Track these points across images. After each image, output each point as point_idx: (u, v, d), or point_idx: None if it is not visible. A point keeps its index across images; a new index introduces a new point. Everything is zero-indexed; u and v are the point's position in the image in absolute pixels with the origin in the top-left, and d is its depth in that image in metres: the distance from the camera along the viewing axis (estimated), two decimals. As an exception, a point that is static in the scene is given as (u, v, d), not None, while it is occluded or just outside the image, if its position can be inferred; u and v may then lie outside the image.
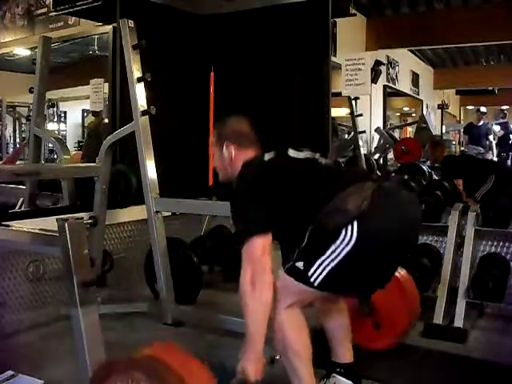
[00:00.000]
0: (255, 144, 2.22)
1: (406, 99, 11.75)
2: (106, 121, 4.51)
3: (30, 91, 4.09)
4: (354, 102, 6.39)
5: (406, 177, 4.87)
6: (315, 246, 1.85)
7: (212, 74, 4.02)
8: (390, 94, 9.23)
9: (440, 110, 10.83)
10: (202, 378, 1.61)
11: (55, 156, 6.42)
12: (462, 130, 14.09)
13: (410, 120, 12.77)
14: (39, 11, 6.06)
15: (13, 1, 6.36)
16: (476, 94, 14.25)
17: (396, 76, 9.36)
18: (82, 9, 3.71)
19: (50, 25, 5.87)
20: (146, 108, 3.22)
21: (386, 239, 1.84)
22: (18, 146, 7.78)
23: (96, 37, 4.91)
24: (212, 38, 4.24)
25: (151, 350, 1.69)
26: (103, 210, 3.41)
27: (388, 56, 8.69)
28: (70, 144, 7.79)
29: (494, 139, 9.13)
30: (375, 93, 7.54)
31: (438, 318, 3.12)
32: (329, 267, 1.82)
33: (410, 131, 10.93)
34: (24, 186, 4.22)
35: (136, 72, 3.24)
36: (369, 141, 8.10)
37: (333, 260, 1.81)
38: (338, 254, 1.80)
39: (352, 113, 6.52)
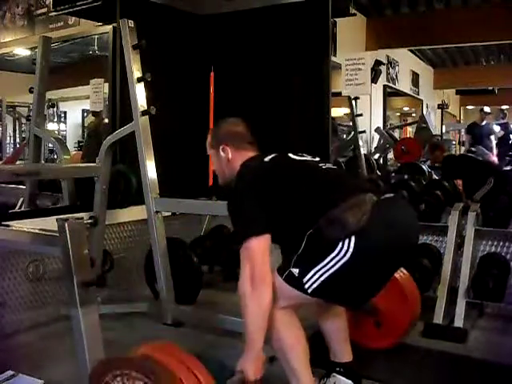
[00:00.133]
0: (253, 145, 2.21)
1: (406, 99, 11.75)
2: (106, 121, 4.51)
3: (30, 91, 4.09)
4: (353, 101, 6.39)
5: (405, 177, 4.87)
6: (312, 254, 1.85)
7: (212, 73, 4.03)
8: (389, 93, 9.23)
9: (440, 110, 10.82)
10: (200, 378, 1.61)
11: (55, 156, 6.42)
12: (462, 130, 14.12)
13: (410, 120, 12.77)
14: (39, 11, 6.06)
15: (13, 1, 6.36)
16: (476, 93, 14.25)
17: (396, 76, 9.35)
18: (82, 9, 3.71)
19: (50, 25, 5.87)
20: (145, 108, 3.22)
21: (382, 255, 1.85)
22: (17, 146, 7.77)
23: (96, 37, 4.91)
24: (212, 38, 4.24)
25: (148, 349, 1.69)
26: (103, 210, 3.41)
27: (388, 56, 8.69)
28: (70, 144, 7.79)
29: (495, 139, 9.12)
30: (375, 93, 7.53)
31: (438, 318, 3.12)
32: (323, 277, 1.82)
33: (409, 131, 10.92)
34: (24, 186, 4.22)
35: (136, 72, 3.24)
36: (369, 141, 8.10)
37: (328, 270, 1.81)
38: (334, 265, 1.80)
39: (352, 113, 6.52)
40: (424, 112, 10.99)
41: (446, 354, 2.83)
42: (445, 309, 3.15)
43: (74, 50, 5.82)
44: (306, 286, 1.86)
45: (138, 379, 1.56)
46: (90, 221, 3.31)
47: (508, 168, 8.17)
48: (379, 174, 6.90)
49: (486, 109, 8.88)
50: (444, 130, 11.06)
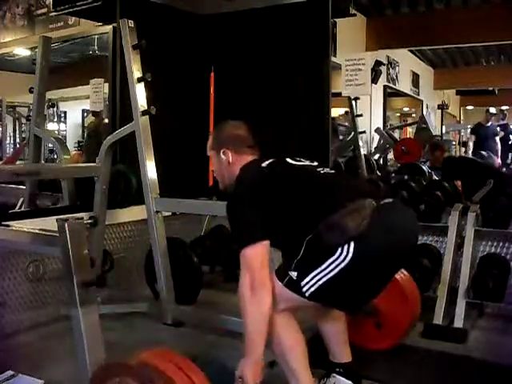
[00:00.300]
0: (253, 148, 2.20)
1: (406, 99, 11.76)
2: (106, 121, 4.51)
3: (30, 91, 4.09)
4: (353, 102, 6.40)
5: (406, 177, 4.87)
6: (311, 259, 1.85)
7: (212, 74, 4.03)
8: (390, 94, 9.24)
9: (440, 111, 10.83)
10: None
11: (55, 156, 6.42)
12: (462, 131, 14.12)
13: (410, 120, 12.77)
14: (39, 11, 6.06)
15: (13, 1, 6.37)
16: (476, 94, 14.27)
17: (396, 76, 9.36)
18: (82, 9, 3.71)
19: (50, 25, 5.87)
20: (146, 108, 3.22)
21: (381, 260, 1.85)
22: (17, 146, 7.78)
23: (96, 37, 4.91)
24: (212, 38, 4.24)
25: (148, 355, 1.68)
26: (103, 210, 3.41)
27: (388, 56, 8.69)
28: (70, 144, 7.79)
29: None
30: (375, 93, 7.54)
31: (438, 318, 3.12)
32: (321, 281, 1.82)
33: (409, 131, 10.93)
34: (24, 186, 4.22)
35: (136, 72, 3.24)
36: (369, 141, 8.10)
37: (326, 274, 1.81)
38: (332, 270, 1.80)
39: (352, 113, 6.52)
40: (424, 112, 10.99)
41: (445, 354, 2.83)
42: (445, 309, 3.15)
43: (74, 50, 5.83)
44: (304, 289, 1.86)
45: None
46: (89, 221, 3.31)
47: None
48: (379, 174, 6.90)
49: (492, 110, 8.87)
50: (444, 131, 11.07)
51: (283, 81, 3.96)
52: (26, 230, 2.37)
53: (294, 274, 1.88)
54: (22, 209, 4.13)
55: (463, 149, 12.62)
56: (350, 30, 7.14)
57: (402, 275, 2.69)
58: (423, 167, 6.51)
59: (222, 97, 3.99)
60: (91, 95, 4.57)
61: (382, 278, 1.97)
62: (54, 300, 3.29)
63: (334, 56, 5.57)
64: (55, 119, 8.14)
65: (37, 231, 2.26)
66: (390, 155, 7.85)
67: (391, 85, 9.10)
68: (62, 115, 8.48)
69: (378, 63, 5.87)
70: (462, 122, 16.03)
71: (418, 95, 11.15)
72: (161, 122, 3.35)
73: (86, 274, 1.96)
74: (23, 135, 7.97)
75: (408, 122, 12.42)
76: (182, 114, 4.12)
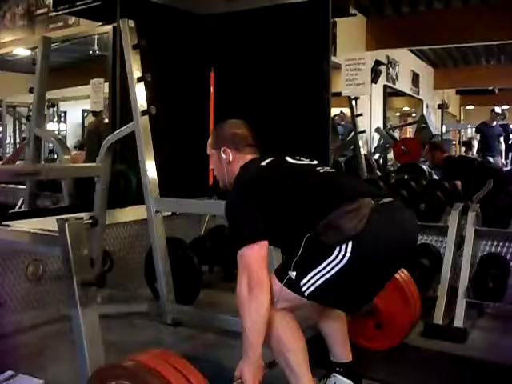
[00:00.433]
0: (254, 147, 2.19)
1: (406, 99, 11.76)
2: (107, 121, 4.51)
3: (30, 91, 4.09)
4: (353, 101, 6.40)
5: (406, 177, 4.87)
6: (309, 258, 1.85)
7: (212, 73, 4.03)
8: (390, 93, 9.24)
9: (440, 110, 10.84)
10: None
11: (55, 156, 6.42)
12: (462, 130, 14.12)
13: (410, 120, 12.78)
14: (39, 11, 6.06)
15: (13, 1, 6.37)
16: (476, 93, 14.28)
17: (396, 76, 9.37)
18: (82, 9, 3.70)
19: (50, 25, 5.87)
20: (145, 108, 3.22)
21: (380, 261, 1.85)
22: (17, 146, 7.78)
23: (96, 37, 4.91)
24: (212, 38, 4.24)
25: (145, 357, 1.68)
26: (103, 210, 3.41)
27: (388, 56, 8.70)
28: (70, 144, 7.79)
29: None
30: (375, 93, 7.55)
31: (438, 318, 3.12)
32: (320, 281, 1.82)
33: (409, 131, 10.93)
34: (24, 185, 4.22)
35: (136, 72, 3.24)
36: (369, 141, 8.11)
37: (324, 274, 1.81)
38: (330, 270, 1.80)
39: (352, 113, 6.52)
40: (424, 112, 11.00)
41: (445, 354, 2.83)
42: (445, 309, 3.15)
43: (74, 50, 5.83)
44: (303, 289, 1.86)
45: None
46: (89, 221, 3.31)
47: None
48: (379, 174, 6.91)
49: (497, 109, 8.85)
50: (444, 130, 11.07)
51: (283, 80, 3.96)
52: (26, 230, 2.36)
53: (293, 274, 1.88)
54: (22, 209, 4.13)
55: (463, 148, 12.64)
56: (349, 30, 7.15)
57: (402, 275, 2.69)
58: (423, 167, 6.52)
59: (222, 97, 3.99)
60: (91, 95, 4.57)
61: (381, 278, 1.97)
62: (54, 300, 3.28)
63: (334, 56, 5.57)
64: (55, 119, 8.14)
65: (37, 231, 2.26)
66: (390, 155, 7.85)
67: (391, 84, 9.11)
68: (62, 115, 8.49)
69: (377, 63, 5.88)
70: (462, 121, 16.04)
71: (418, 95, 11.16)
72: (161, 122, 3.35)
73: (85, 274, 1.96)
74: (23, 135, 7.98)
75: (408, 122, 12.43)
76: (182, 114, 4.12)
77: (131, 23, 3.24)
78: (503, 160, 8.96)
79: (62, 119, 8.57)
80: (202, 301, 3.39)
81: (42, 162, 5.17)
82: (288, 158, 2.12)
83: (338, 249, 1.78)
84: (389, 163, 8.04)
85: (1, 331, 2.98)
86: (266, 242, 1.90)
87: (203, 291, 3.43)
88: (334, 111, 8.16)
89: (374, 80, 5.76)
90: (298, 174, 2.04)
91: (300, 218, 1.92)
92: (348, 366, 2.27)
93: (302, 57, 3.89)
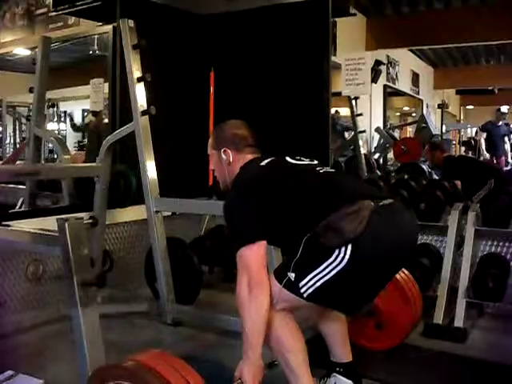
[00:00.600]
0: (254, 147, 2.19)
1: (406, 99, 11.77)
2: (106, 121, 4.52)
3: (30, 91, 4.09)
4: (353, 101, 6.40)
5: (406, 176, 4.87)
6: (308, 260, 1.85)
7: (212, 73, 4.02)
8: (390, 93, 9.24)
9: (440, 110, 10.84)
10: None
11: (55, 156, 6.43)
12: (462, 130, 14.10)
13: (409, 120, 12.78)
14: (39, 11, 6.07)
15: (13, 1, 6.37)
16: (476, 93, 14.28)
17: (396, 75, 9.37)
18: (82, 9, 3.70)
19: (50, 25, 5.88)
20: (145, 108, 3.22)
21: (379, 263, 1.85)
22: (17, 146, 7.78)
23: (96, 37, 4.91)
24: (212, 38, 4.24)
25: (144, 357, 1.68)
26: (103, 210, 3.41)
27: (388, 56, 8.70)
28: (70, 144, 7.79)
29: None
30: (375, 92, 7.54)
31: (438, 318, 3.12)
32: (319, 283, 1.82)
33: (409, 131, 10.93)
34: (24, 185, 4.22)
35: (136, 72, 3.24)
36: (369, 140, 8.11)
37: (323, 276, 1.81)
38: (329, 272, 1.80)
39: (352, 112, 6.52)
40: (424, 112, 11.00)
41: (445, 354, 2.83)
42: (445, 309, 3.15)
43: (74, 50, 5.83)
44: (302, 290, 1.85)
45: None
46: (89, 221, 3.31)
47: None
48: (379, 173, 6.91)
49: (503, 109, 8.84)
50: (444, 130, 11.08)
51: (283, 80, 3.96)
52: (26, 230, 2.36)
53: (292, 275, 1.88)
54: (22, 209, 4.13)
55: (463, 148, 12.62)
56: (349, 30, 7.15)
57: (402, 275, 2.69)
58: (423, 167, 6.52)
59: (222, 97, 3.99)
60: (91, 95, 4.57)
61: (380, 280, 1.97)
62: (54, 300, 3.28)
63: (334, 55, 5.57)
64: (55, 119, 8.15)
65: (37, 231, 2.26)
66: (390, 154, 7.85)
67: (391, 84, 9.11)
68: (62, 115, 8.49)
69: (377, 63, 5.87)
70: (462, 121, 16.04)
71: (418, 94, 11.16)
72: (161, 122, 3.35)
73: (86, 274, 1.96)
74: (23, 135, 7.98)
75: (408, 122, 12.43)
76: (182, 114, 4.12)
77: (131, 23, 3.24)
78: (509, 159, 8.94)
79: (62, 119, 8.57)
80: (201, 301, 3.39)
81: (42, 162, 5.17)
82: (288, 158, 2.11)
83: (337, 251, 1.78)
84: (389, 163, 8.04)
85: (1, 331, 2.98)
86: (264, 242, 1.90)
87: (203, 291, 3.43)
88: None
89: (374, 80, 5.76)
90: (297, 174, 2.04)
91: (299, 218, 1.91)
92: (348, 365, 2.27)
93: (302, 57, 3.89)
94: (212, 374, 1.73)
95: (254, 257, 1.86)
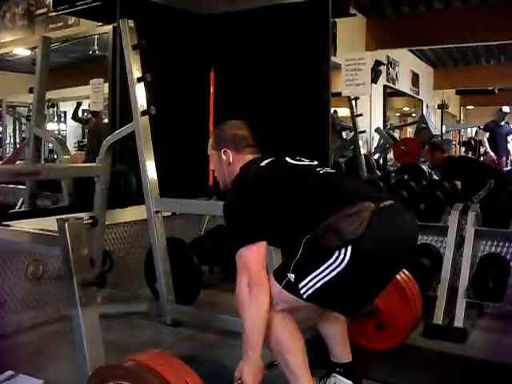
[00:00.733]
0: (254, 147, 2.19)
1: (406, 99, 11.77)
2: (106, 121, 4.52)
3: (30, 91, 4.09)
4: (353, 101, 6.40)
5: (405, 177, 4.87)
6: (308, 261, 1.85)
7: (212, 73, 4.02)
8: (389, 93, 9.24)
9: (440, 110, 10.85)
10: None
11: (55, 156, 6.43)
12: (462, 130, 14.10)
13: (409, 120, 12.78)
14: (39, 11, 6.07)
15: (13, 1, 6.37)
16: (476, 93, 14.28)
17: (396, 76, 9.37)
18: (82, 9, 3.70)
19: (50, 25, 5.88)
20: (145, 108, 3.22)
21: (379, 265, 1.85)
22: (17, 146, 7.78)
23: (96, 37, 4.92)
24: (212, 38, 4.24)
25: (144, 357, 1.68)
26: (103, 210, 3.41)
27: (388, 56, 8.70)
28: (70, 144, 7.80)
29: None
30: (375, 93, 7.54)
31: (438, 318, 3.12)
32: (318, 284, 1.82)
33: (409, 131, 10.93)
34: (24, 185, 4.22)
35: (136, 72, 3.24)
36: (369, 141, 8.11)
37: (323, 278, 1.81)
38: (329, 273, 1.80)
39: (352, 113, 6.52)
40: (424, 112, 11.00)
41: (445, 354, 2.83)
42: (445, 309, 3.15)
43: (74, 50, 5.83)
44: (302, 291, 1.85)
45: None
46: (89, 221, 3.31)
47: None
48: (379, 174, 6.91)
49: (505, 109, 8.80)
50: (444, 130, 11.08)
51: (283, 80, 3.96)
52: (26, 230, 2.36)
53: (291, 276, 1.88)
54: (22, 209, 4.13)
55: (463, 148, 12.62)
56: (349, 30, 7.15)
57: (403, 275, 2.68)
58: (423, 167, 6.51)
59: (222, 97, 3.99)
60: (91, 95, 4.57)
61: (380, 281, 1.96)
62: (54, 300, 3.29)
63: (334, 56, 5.57)
64: (55, 119, 8.15)
65: (37, 231, 2.26)
66: (390, 155, 7.85)
67: (391, 84, 9.11)
68: (62, 115, 8.50)
69: (377, 63, 5.87)
70: (462, 121, 16.04)
71: (418, 95, 11.16)
72: (161, 122, 3.35)
73: (85, 274, 1.96)
74: (23, 135, 7.99)
75: (408, 122, 12.43)
76: (182, 114, 4.12)
77: (131, 23, 3.24)
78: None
79: (62, 119, 8.58)
80: (201, 301, 3.39)
81: (42, 162, 5.17)
82: (288, 159, 2.11)
83: (337, 252, 1.78)
84: (389, 163, 8.04)
85: (1, 331, 2.98)
86: (264, 243, 1.89)
87: (203, 291, 3.43)
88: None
89: (374, 80, 5.75)
90: (297, 175, 2.03)
91: (299, 219, 1.91)
92: (348, 366, 2.27)
93: (302, 57, 3.89)
94: (212, 374, 1.73)
95: (254, 257, 1.86)
